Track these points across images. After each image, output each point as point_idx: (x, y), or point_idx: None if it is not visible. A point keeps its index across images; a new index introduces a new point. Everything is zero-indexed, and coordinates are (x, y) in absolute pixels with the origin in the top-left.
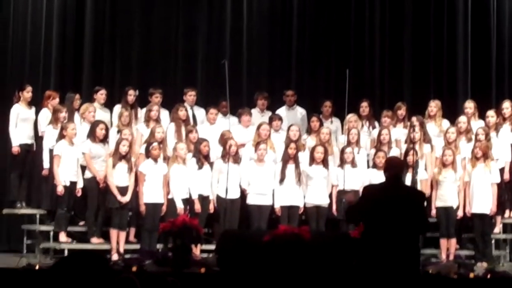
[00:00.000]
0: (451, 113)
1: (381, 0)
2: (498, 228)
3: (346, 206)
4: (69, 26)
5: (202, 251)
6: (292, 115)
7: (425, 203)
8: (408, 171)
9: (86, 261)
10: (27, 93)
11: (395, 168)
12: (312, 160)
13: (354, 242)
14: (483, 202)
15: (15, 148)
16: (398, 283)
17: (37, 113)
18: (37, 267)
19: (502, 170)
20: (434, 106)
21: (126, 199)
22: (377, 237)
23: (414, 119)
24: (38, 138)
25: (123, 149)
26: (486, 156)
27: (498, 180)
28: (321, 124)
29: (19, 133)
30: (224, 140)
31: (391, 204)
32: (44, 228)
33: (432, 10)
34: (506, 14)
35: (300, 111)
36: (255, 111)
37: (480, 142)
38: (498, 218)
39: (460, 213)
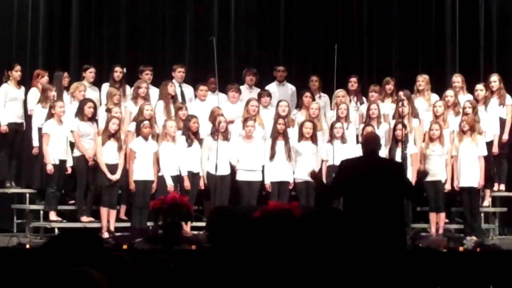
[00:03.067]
0: (440, 87)
1: None
2: (487, 202)
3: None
4: (56, 4)
5: (193, 228)
6: (283, 91)
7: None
8: (397, 146)
9: (79, 239)
10: (16, 72)
11: (370, 143)
12: (301, 136)
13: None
14: (471, 176)
15: (3, 128)
16: (382, 254)
17: (26, 92)
18: (27, 246)
19: (491, 144)
20: (422, 80)
21: (116, 177)
22: (357, 210)
23: (401, 93)
24: (27, 117)
25: (113, 127)
26: (473, 129)
27: (485, 153)
28: (314, 100)
29: (8, 112)
30: (214, 117)
31: (368, 176)
32: (34, 207)
33: None
34: None
35: (290, 87)
36: (243, 88)
37: (467, 116)
38: (487, 192)
39: (448, 187)
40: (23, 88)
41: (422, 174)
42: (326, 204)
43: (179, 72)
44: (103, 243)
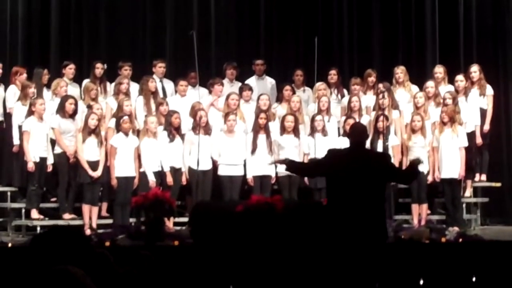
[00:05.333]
0: (420, 78)
1: None
2: (468, 192)
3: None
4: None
5: (175, 223)
6: (262, 85)
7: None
8: (379, 137)
9: (66, 236)
10: None
11: (358, 134)
12: (283, 129)
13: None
14: (452, 167)
15: None
16: (365, 248)
17: (5, 90)
18: (9, 245)
19: (472, 134)
20: (400, 72)
21: (97, 173)
22: (342, 203)
23: (380, 85)
24: (7, 115)
25: (92, 123)
26: (453, 120)
27: (466, 144)
28: (294, 93)
29: None
30: (195, 111)
31: (354, 169)
32: (15, 205)
33: None
34: None
35: (269, 81)
36: (224, 82)
37: (447, 107)
38: (469, 182)
39: (430, 178)
40: (2, 86)
41: (416, 162)
42: (308, 197)
43: (159, 68)
44: (90, 240)
